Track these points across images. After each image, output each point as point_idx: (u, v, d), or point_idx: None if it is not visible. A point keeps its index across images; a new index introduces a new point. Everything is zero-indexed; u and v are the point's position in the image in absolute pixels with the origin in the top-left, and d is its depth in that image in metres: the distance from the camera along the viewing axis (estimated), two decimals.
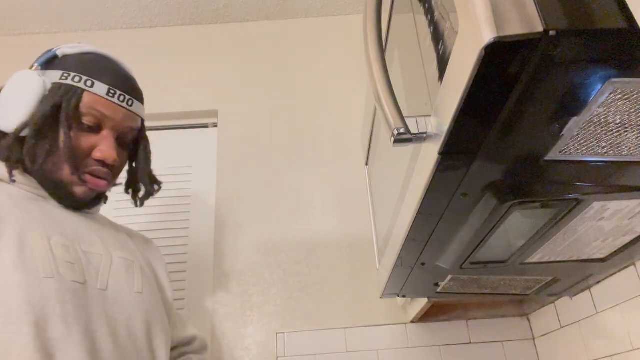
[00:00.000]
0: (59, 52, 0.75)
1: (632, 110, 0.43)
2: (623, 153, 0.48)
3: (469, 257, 0.71)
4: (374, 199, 1.03)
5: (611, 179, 0.53)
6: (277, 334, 1.18)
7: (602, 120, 0.43)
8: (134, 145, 0.83)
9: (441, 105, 0.45)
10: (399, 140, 0.49)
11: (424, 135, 0.51)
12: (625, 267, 0.80)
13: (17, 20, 1.58)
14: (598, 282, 0.89)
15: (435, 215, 0.60)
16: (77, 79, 0.71)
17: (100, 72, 0.74)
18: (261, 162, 1.41)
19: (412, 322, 1.18)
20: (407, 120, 0.50)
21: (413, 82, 0.58)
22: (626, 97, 0.41)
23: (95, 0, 1.52)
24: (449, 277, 0.83)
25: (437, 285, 0.88)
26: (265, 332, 1.18)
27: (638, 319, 0.79)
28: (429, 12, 0.49)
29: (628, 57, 0.37)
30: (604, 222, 0.62)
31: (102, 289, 0.69)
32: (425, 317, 1.16)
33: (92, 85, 0.72)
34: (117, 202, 1.34)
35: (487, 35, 0.34)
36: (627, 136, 0.46)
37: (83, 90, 0.71)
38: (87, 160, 0.72)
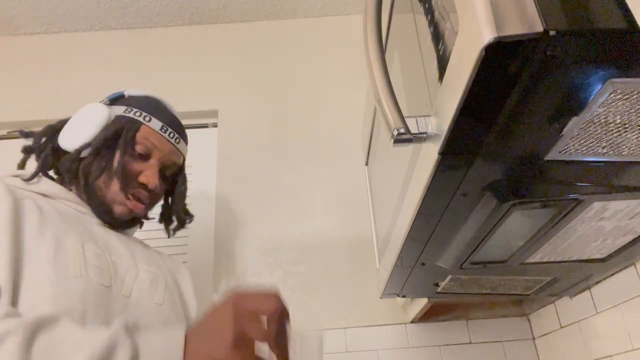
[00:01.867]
0: (126, 93, 0.87)
1: (632, 110, 0.43)
2: (623, 153, 0.48)
3: (469, 257, 0.71)
4: (374, 199, 1.03)
5: (611, 179, 0.53)
6: None
7: (602, 120, 0.43)
8: (172, 181, 0.91)
9: (441, 105, 0.45)
10: (399, 140, 0.49)
11: (424, 135, 0.51)
12: (625, 267, 0.80)
13: (17, 20, 1.58)
14: (598, 282, 0.89)
15: (435, 215, 0.60)
16: (137, 113, 0.83)
17: (158, 111, 0.85)
18: (261, 162, 1.41)
19: (412, 322, 1.18)
20: (407, 120, 0.50)
21: (413, 82, 0.58)
22: (626, 97, 0.41)
23: (95, 0, 1.52)
24: (449, 277, 0.83)
25: (437, 285, 0.88)
26: None
27: (638, 319, 0.79)
28: (429, 12, 0.49)
29: (628, 57, 0.37)
30: (604, 222, 0.62)
31: (126, 296, 0.72)
32: (425, 317, 1.16)
33: (150, 120, 0.83)
34: None
35: (487, 35, 0.34)
36: (627, 136, 0.46)
37: (141, 124, 0.82)
38: (133, 182, 0.80)
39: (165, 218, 0.96)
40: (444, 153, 0.46)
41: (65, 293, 0.62)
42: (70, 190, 0.80)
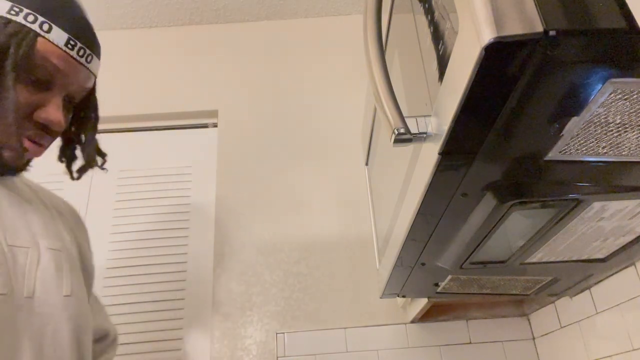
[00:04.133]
0: None
1: (632, 110, 0.43)
2: (623, 153, 0.48)
3: (469, 257, 0.71)
4: (374, 199, 1.03)
5: (611, 179, 0.53)
6: (277, 334, 1.18)
7: (602, 120, 0.43)
8: (79, 107, 0.69)
9: (441, 105, 0.45)
10: (399, 140, 0.49)
11: (424, 135, 0.51)
12: (625, 267, 0.80)
13: None
14: (598, 282, 0.89)
15: (435, 215, 0.60)
16: (31, 17, 0.57)
17: (61, 14, 0.59)
18: (261, 162, 1.41)
19: (412, 322, 1.18)
20: (407, 120, 0.50)
21: (413, 82, 0.58)
22: (626, 97, 0.41)
23: (95, 0, 1.52)
24: (449, 277, 0.83)
25: (437, 285, 0.88)
26: (265, 332, 1.18)
27: (638, 319, 0.79)
28: (429, 12, 0.49)
29: (628, 57, 0.37)
30: (604, 222, 0.62)
31: (29, 297, 0.58)
32: (425, 317, 1.16)
33: (50, 30, 0.58)
34: (118, 203, 1.35)
35: (487, 35, 0.34)
36: (627, 136, 0.46)
37: (37, 35, 0.57)
38: (27, 121, 0.59)
39: (67, 156, 0.72)
40: (444, 153, 0.46)
41: None
42: None
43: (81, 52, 0.62)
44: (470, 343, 1.18)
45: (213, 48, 1.61)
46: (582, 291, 0.94)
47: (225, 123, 1.48)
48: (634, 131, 0.45)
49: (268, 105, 1.51)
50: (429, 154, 0.50)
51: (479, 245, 0.66)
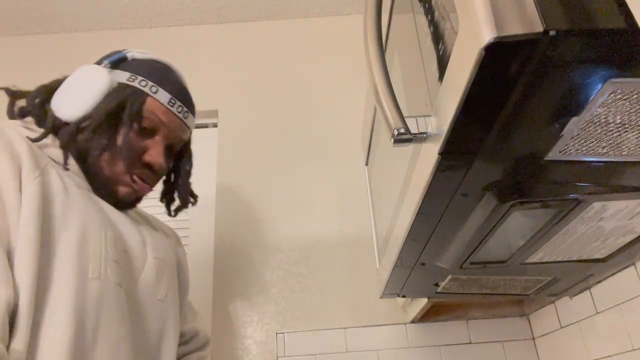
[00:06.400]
0: (129, 55, 0.79)
1: (632, 110, 0.43)
2: (623, 153, 0.48)
3: (469, 257, 0.71)
4: (374, 199, 1.03)
5: (611, 179, 0.53)
6: (277, 334, 1.18)
7: (602, 120, 0.43)
8: (177, 157, 0.86)
9: (441, 105, 0.45)
10: (399, 140, 0.49)
11: (424, 135, 0.51)
12: (625, 267, 0.80)
13: (17, 20, 1.58)
14: (598, 282, 0.89)
15: (435, 215, 0.60)
16: (143, 83, 0.75)
17: (165, 81, 0.78)
18: (261, 162, 1.41)
19: (412, 322, 1.18)
20: (407, 120, 0.50)
21: (413, 82, 0.58)
22: (626, 97, 0.41)
23: (95, 0, 1.52)
24: (449, 277, 0.83)
25: (437, 285, 0.88)
26: (265, 332, 1.18)
27: (638, 319, 0.79)
28: (429, 12, 0.49)
29: (628, 57, 0.37)
30: (604, 222, 0.62)
31: (133, 293, 0.70)
32: (425, 317, 1.16)
33: (156, 91, 0.76)
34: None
35: (487, 35, 0.34)
36: (627, 136, 0.46)
37: (147, 95, 0.75)
38: (138, 162, 0.75)
39: (167, 197, 0.90)
40: (444, 153, 0.46)
41: (82, 297, 0.60)
42: None
43: (179, 109, 0.79)
44: (470, 343, 1.18)
45: (213, 48, 1.61)
46: (582, 291, 0.94)
47: (225, 123, 1.48)
48: (634, 131, 0.45)
49: (268, 105, 1.51)
50: (429, 154, 0.50)
51: (479, 245, 0.67)
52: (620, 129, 0.45)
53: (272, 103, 1.51)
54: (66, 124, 0.72)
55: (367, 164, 1.12)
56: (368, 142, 1.04)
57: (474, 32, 0.35)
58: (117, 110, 0.72)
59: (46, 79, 1.59)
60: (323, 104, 1.50)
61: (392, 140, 0.49)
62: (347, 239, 1.29)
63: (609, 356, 0.88)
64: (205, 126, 1.50)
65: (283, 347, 1.16)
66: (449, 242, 0.68)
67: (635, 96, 0.41)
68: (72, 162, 0.71)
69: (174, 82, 0.79)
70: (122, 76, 0.75)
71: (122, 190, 0.74)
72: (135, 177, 0.75)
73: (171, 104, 0.77)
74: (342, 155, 1.40)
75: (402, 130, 0.49)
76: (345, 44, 1.58)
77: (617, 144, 0.47)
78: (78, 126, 0.71)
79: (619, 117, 0.43)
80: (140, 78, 0.75)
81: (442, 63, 0.44)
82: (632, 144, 0.47)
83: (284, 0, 1.59)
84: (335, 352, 1.15)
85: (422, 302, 1.06)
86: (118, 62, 0.77)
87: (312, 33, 1.63)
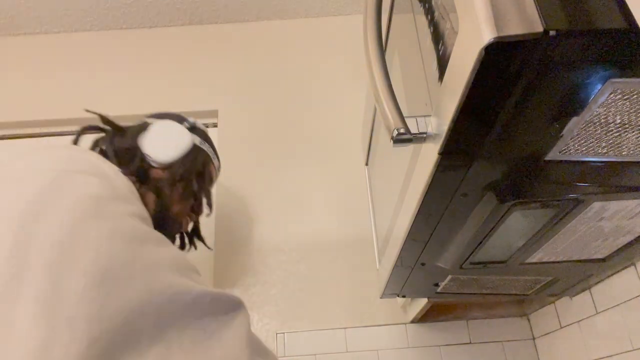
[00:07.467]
0: (191, 121, 0.95)
1: (632, 110, 0.43)
2: (623, 153, 0.48)
3: (469, 257, 0.71)
4: (374, 199, 1.04)
5: (611, 179, 0.53)
6: (277, 334, 1.18)
7: (602, 120, 0.43)
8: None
9: (441, 105, 0.45)
10: (399, 140, 0.49)
11: (424, 135, 0.51)
12: (625, 267, 0.80)
13: (17, 20, 1.58)
14: (598, 282, 0.89)
15: (435, 215, 0.60)
16: (210, 150, 0.95)
17: (215, 149, 0.98)
18: (261, 162, 1.41)
19: (412, 322, 1.18)
20: (407, 120, 0.50)
21: (413, 82, 0.58)
22: (626, 97, 0.41)
23: (95, 0, 1.52)
24: (449, 277, 0.83)
25: (437, 285, 0.88)
26: (265, 332, 1.18)
27: (638, 319, 0.79)
28: (429, 12, 0.49)
29: (628, 57, 0.37)
30: (604, 222, 0.62)
31: None
32: (425, 317, 1.16)
33: (214, 159, 0.96)
34: None
35: (487, 36, 0.34)
36: (627, 136, 0.46)
37: (211, 160, 0.95)
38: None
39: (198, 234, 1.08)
40: (444, 153, 0.46)
41: None
42: None
43: (220, 171, 1.01)
44: (470, 343, 1.18)
45: (213, 48, 1.61)
46: (582, 291, 0.94)
47: (225, 123, 1.48)
48: (634, 131, 0.45)
49: (268, 105, 1.51)
50: (429, 154, 0.50)
51: (479, 245, 0.67)
52: (620, 129, 0.45)
53: (272, 103, 1.51)
54: (151, 165, 0.85)
55: (367, 164, 1.12)
56: (368, 142, 1.04)
57: (474, 32, 0.35)
58: (199, 169, 0.90)
59: (47, 78, 1.59)
60: (323, 104, 1.50)
61: (392, 140, 0.49)
62: (347, 239, 1.29)
63: (609, 356, 0.88)
64: (205, 126, 1.50)
65: (283, 347, 1.16)
66: (449, 242, 0.68)
67: (635, 96, 0.41)
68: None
69: (215, 149, 0.98)
70: (196, 139, 0.91)
71: (185, 224, 0.93)
72: (188, 217, 0.93)
73: (219, 170, 0.99)
74: (342, 155, 1.40)
75: (402, 131, 0.49)
76: (345, 44, 1.58)
77: (617, 144, 0.47)
78: (164, 169, 0.85)
79: (619, 117, 0.43)
80: (206, 144, 0.93)
81: (442, 63, 0.44)
82: (632, 144, 0.47)
83: (283, 0, 1.59)
84: (335, 352, 1.15)
85: (422, 302, 1.06)
86: (193, 127, 0.93)
87: (312, 33, 1.63)
